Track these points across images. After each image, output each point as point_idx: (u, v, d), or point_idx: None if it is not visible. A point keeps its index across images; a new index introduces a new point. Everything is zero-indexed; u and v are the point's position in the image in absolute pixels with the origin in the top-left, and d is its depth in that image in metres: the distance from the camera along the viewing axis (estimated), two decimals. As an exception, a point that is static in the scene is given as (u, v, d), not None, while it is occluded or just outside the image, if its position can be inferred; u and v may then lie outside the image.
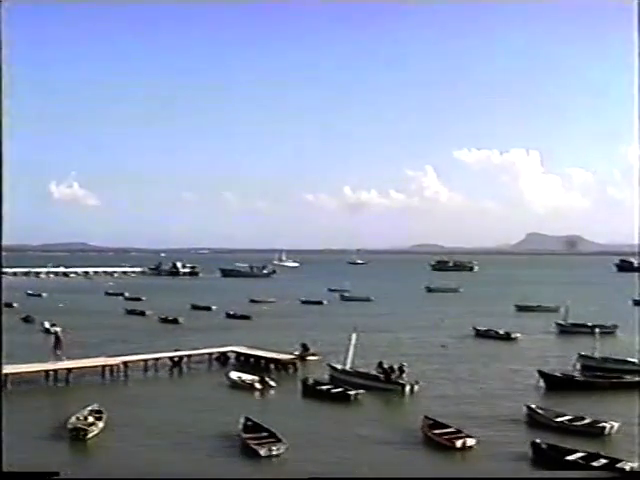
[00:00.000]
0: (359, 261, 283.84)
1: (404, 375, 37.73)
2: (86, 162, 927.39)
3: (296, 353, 46.41)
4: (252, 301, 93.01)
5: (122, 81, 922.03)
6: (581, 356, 44.39)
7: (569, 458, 23.80)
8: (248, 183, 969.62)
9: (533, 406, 31.23)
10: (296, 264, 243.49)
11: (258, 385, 37.57)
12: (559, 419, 29.55)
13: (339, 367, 40.54)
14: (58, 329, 60.90)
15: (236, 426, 27.52)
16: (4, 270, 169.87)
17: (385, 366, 38.45)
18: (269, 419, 28.96)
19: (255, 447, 25.20)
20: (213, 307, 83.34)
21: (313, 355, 47.15)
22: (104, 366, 41.14)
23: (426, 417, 28.91)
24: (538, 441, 25.21)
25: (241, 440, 26.54)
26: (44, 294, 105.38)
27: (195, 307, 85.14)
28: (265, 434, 26.59)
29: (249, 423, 27.79)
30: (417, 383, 37.05)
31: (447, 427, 27.81)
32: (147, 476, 19.84)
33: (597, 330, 47.08)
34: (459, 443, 26.19)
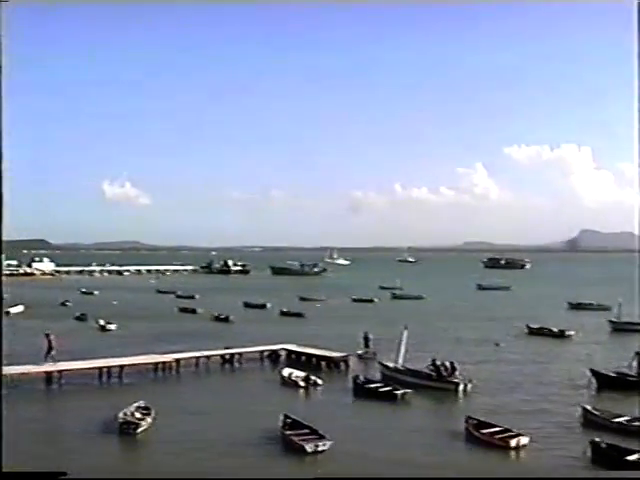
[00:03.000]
0: (410, 259, 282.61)
1: (456, 373, 37.21)
2: (138, 161, 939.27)
3: (360, 352, 46.77)
4: (302, 299, 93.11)
5: (170, 81, 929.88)
6: (637, 354, 43.28)
7: (629, 458, 23.14)
8: (297, 182, 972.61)
9: (589, 407, 30.42)
10: (347, 262, 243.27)
11: (304, 383, 37.45)
12: (617, 420, 28.78)
13: (391, 365, 40.28)
14: (113, 326, 62.14)
15: (277, 423, 27.43)
16: (59, 269, 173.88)
17: (437, 363, 37.96)
18: (314, 416, 28.79)
19: (301, 443, 25.07)
20: (268, 305, 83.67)
21: (367, 352, 46.98)
22: (156, 363, 41.56)
23: (469, 417, 28.35)
24: (597, 440, 24.56)
25: (283, 437, 26.44)
26: (96, 292, 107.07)
27: (248, 305, 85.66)
28: (306, 431, 26.48)
29: (288, 420, 27.67)
30: (470, 382, 36.49)
31: (494, 426, 27.28)
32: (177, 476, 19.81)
33: None
34: (513, 442, 25.61)
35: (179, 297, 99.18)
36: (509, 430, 26.66)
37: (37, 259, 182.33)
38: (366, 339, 48.12)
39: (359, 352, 47.03)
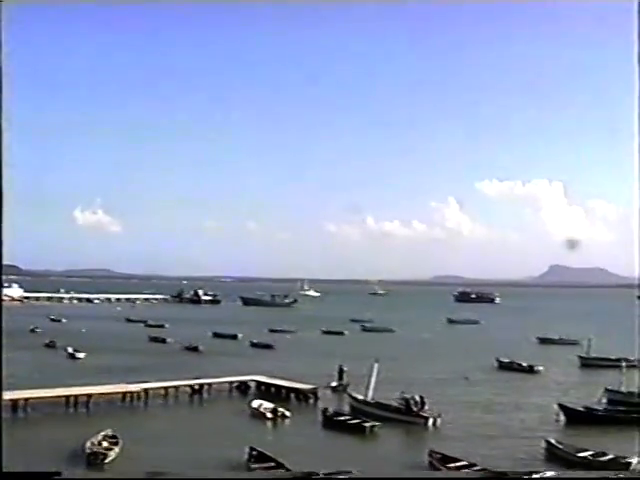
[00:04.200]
0: (380, 292, 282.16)
1: (426, 407, 37.32)
2: (111, 189, 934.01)
3: (333, 384, 46.86)
4: (272, 330, 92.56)
5: (147, 104, 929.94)
6: (607, 390, 43.80)
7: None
8: (271, 213, 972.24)
9: (553, 441, 30.79)
10: (317, 294, 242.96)
11: (273, 415, 37.39)
12: (581, 454, 29.09)
13: (360, 397, 40.38)
14: (81, 355, 61.63)
15: (243, 455, 27.41)
16: (28, 295, 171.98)
17: (407, 397, 37.92)
18: (281, 449, 28.83)
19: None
20: (239, 335, 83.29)
21: (341, 384, 46.95)
22: (124, 393, 41.32)
23: (433, 451, 28.51)
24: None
25: (249, 470, 26.45)
26: (64, 320, 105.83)
27: (218, 335, 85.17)
28: (271, 464, 26.49)
29: (254, 452, 27.70)
30: (439, 416, 36.66)
31: (460, 460, 27.43)
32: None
33: (623, 364, 46.50)
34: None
35: (149, 326, 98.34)
36: (474, 465, 26.84)
37: (6, 285, 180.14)
38: (340, 371, 48.22)
39: (333, 384, 47.10)
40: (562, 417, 37.92)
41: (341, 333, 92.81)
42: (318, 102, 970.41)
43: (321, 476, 22.17)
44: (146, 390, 42.06)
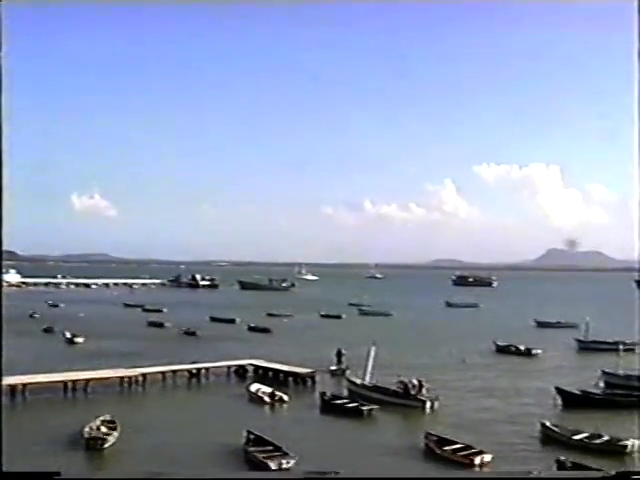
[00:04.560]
0: (378, 275, 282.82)
1: (423, 390, 37.40)
2: (108, 173, 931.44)
3: (332, 368, 46.89)
4: (270, 315, 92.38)
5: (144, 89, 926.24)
6: (605, 373, 43.90)
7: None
8: (268, 197, 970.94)
9: (548, 423, 30.87)
10: (315, 278, 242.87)
11: (270, 399, 37.45)
12: (576, 437, 29.18)
13: (358, 381, 40.45)
14: (80, 339, 61.67)
15: (240, 439, 27.46)
16: (25, 280, 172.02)
17: (405, 381, 38.00)
18: (279, 432, 28.95)
19: (265, 461, 25.16)
20: (237, 319, 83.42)
21: (340, 368, 46.96)
22: (122, 377, 41.32)
23: (429, 433, 28.58)
24: (563, 459, 24.89)
25: (247, 454, 26.55)
26: (62, 305, 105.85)
27: (215, 319, 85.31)
28: (269, 447, 26.62)
29: (252, 436, 27.78)
30: (437, 399, 36.72)
31: (455, 443, 27.50)
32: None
33: (621, 347, 46.60)
34: (477, 460, 25.89)
35: (147, 311, 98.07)
36: (471, 447, 26.92)
37: (3, 271, 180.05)
38: (339, 355, 48.34)
39: (332, 368, 47.14)
40: (559, 400, 37.97)
41: (339, 317, 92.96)
42: (316, 91, 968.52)
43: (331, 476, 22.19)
44: (144, 375, 42.07)
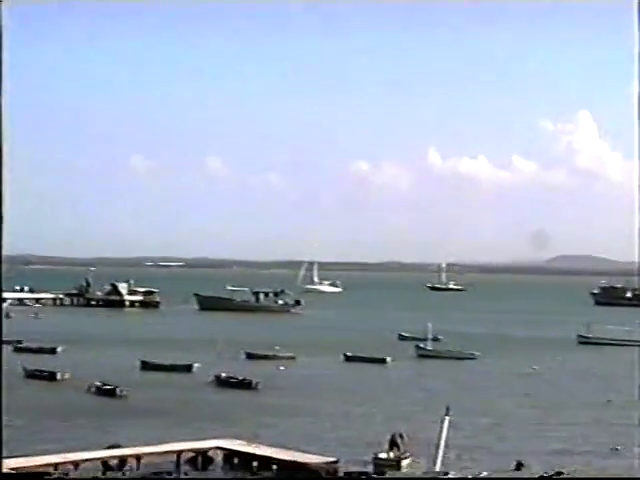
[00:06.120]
0: (452, 285, 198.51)
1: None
2: None
3: (382, 455, 29.90)
4: (251, 356, 62.15)
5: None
6: None
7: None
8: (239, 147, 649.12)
9: None
10: (337, 289, 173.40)
11: None
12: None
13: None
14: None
15: None
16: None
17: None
18: None
19: None
20: (194, 365, 55.42)
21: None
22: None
23: None
24: None
25: None
26: None
27: (152, 366, 56.64)
28: None
29: None
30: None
31: None
32: None
33: None
34: None
35: (25, 350, 63.51)
36: None
37: None
38: (394, 443, 29.43)
39: (380, 455, 29.70)
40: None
41: (382, 361, 61.94)
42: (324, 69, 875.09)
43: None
44: (17, 470, 26.27)
